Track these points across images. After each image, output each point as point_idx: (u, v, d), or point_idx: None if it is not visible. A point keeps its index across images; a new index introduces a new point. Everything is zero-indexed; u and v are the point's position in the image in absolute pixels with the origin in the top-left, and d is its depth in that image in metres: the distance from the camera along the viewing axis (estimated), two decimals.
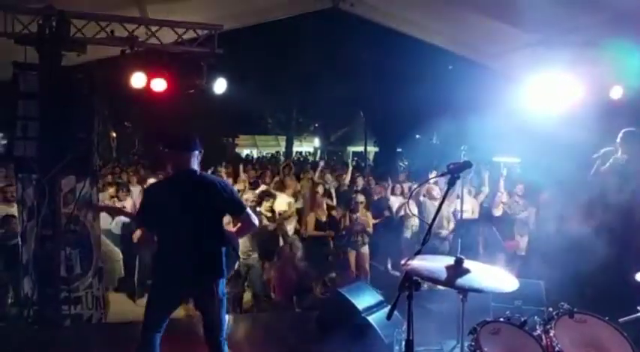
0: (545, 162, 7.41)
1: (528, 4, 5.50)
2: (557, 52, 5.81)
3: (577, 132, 5.84)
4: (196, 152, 3.97)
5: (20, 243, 6.09)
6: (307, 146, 38.26)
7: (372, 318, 5.18)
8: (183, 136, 4.04)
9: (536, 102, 6.19)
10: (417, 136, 24.86)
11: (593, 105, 5.91)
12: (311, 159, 34.32)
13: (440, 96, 16.51)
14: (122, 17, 6.50)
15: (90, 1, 6.39)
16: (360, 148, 29.79)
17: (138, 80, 6.46)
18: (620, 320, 3.16)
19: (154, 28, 6.62)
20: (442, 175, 2.90)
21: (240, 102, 18.38)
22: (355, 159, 31.48)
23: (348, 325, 5.18)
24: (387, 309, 2.93)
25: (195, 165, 3.95)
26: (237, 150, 29.07)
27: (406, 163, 24.98)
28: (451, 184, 2.85)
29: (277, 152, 34.51)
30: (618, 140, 5.07)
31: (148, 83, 6.54)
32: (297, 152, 35.03)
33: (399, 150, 24.50)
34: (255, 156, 32.88)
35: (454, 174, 2.73)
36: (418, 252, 2.76)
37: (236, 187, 7.86)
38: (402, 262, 2.71)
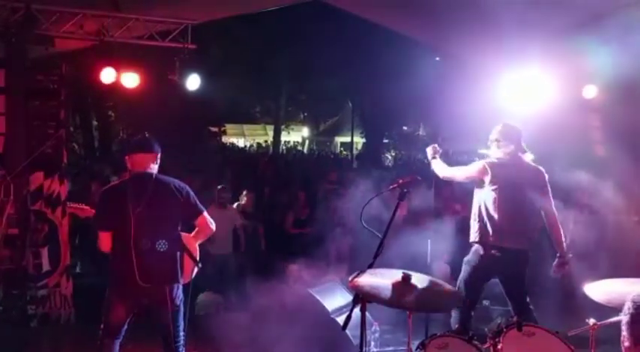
0: None
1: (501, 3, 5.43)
2: (530, 50, 5.76)
3: (552, 132, 5.81)
4: (154, 154, 3.89)
5: None
6: (295, 136, 37.99)
7: (340, 320, 5.14)
8: (140, 138, 3.97)
9: (510, 99, 6.14)
10: (404, 128, 24.85)
11: (568, 104, 5.87)
12: (299, 148, 34.17)
13: (426, 89, 16.45)
14: (91, 11, 6.36)
15: None
16: (348, 138, 29.71)
17: (107, 76, 6.32)
18: (570, 332, 3.13)
19: (124, 22, 6.47)
20: (392, 189, 2.85)
21: (227, 90, 18.18)
22: (341, 149, 31.40)
23: (317, 326, 5.16)
24: (357, 310, 2.91)
25: (152, 167, 3.87)
26: (224, 139, 28.81)
27: (393, 154, 25.00)
28: (401, 199, 2.80)
29: (265, 141, 34.23)
30: None
31: (119, 78, 6.42)
32: (285, 142, 34.78)
33: (385, 141, 24.45)
34: (242, 145, 32.63)
35: (403, 188, 2.68)
36: (370, 266, 2.71)
37: None
38: (350, 278, 2.67)
